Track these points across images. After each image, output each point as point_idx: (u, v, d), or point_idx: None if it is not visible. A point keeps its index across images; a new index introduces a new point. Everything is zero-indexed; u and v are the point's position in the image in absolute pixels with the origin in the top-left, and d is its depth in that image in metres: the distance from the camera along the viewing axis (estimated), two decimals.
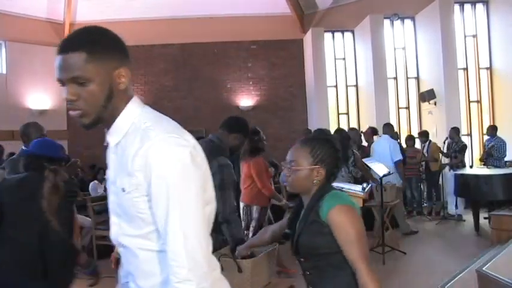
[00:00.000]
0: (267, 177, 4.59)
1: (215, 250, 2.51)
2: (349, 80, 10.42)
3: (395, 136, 7.25)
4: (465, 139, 8.54)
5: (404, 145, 7.90)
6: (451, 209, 7.57)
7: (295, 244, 1.65)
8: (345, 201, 1.59)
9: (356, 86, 10.35)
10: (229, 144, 2.78)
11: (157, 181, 1.08)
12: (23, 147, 3.08)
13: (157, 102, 10.36)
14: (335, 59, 10.40)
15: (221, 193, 2.57)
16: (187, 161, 1.10)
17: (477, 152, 9.26)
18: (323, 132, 1.83)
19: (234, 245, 2.54)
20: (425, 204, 8.21)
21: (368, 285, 1.46)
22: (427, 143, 7.96)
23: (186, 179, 1.10)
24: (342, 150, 5.77)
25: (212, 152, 2.65)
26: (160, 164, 1.07)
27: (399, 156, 6.41)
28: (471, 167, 8.32)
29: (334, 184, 3.89)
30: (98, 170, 8.20)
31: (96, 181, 7.73)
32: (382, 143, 6.61)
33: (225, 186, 2.60)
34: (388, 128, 6.80)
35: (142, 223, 1.13)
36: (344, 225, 1.52)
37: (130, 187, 1.10)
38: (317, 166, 1.63)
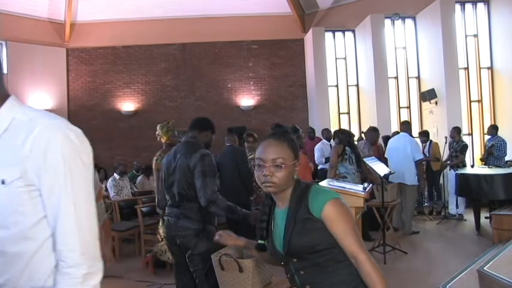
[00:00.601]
0: (307, 172, 5.22)
1: (219, 248, 2.58)
2: (350, 79, 10.42)
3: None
4: (466, 139, 8.53)
5: None
6: (452, 209, 7.57)
7: (286, 246, 1.56)
8: (334, 195, 1.56)
9: (357, 85, 10.35)
10: (203, 141, 3.12)
11: (48, 162, 1.06)
12: None
13: (158, 102, 10.39)
14: (336, 58, 10.41)
15: (202, 180, 2.80)
16: (76, 142, 1.11)
17: (478, 152, 9.25)
18: (283, 126, 1.69)
19: (236, 215, 2.80)
20: (426, 204, 8.20)
21: (371, 273, 1.47)
22: (428, 142, 7.96)
23: (77, 160, 1.10)
24: (352, 150, 5.80)
25: (192, 148, 2.96)
26: (51, 144, 1.06)
27: (421, 155, 6.46)
28: (472, 166, 8.31)
29: (337, 184, 3.89)
30: (99, 169, 8.20)
31: None
32: (401, 141, 6.48)
33: (206, 173, 2.82)
34: (406, 126, 6.76)
35: (21, 217, 1.08)
36: (340, 218, 1.50)
37: (14, 176, 1.06)
38: (296, 160, 1.59)
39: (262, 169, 1.55)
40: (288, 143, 1.58)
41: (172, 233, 2.89)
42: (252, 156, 5.48)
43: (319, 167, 7.62)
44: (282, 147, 1.56)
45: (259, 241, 1.69)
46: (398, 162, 6.24)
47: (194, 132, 3.10)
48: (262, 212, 1.69)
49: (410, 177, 6.23)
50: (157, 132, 4.75)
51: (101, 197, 4.89)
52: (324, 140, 7.93)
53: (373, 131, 6.87)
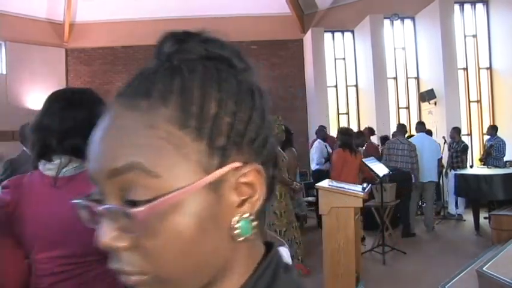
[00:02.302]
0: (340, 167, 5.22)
1: None
2: (349, 80, 10.42)
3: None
4: (465, 139, 8.54)
5: None
6: (452, 209, 7.57)
7: None
8: None
9: (356, 86, 10.36)
10: None
11: None
12: (24, 148, 3.09)
13: None
14: (335, 59, 10.40)
15: None
16: None
17: (477, 152, 9.26)
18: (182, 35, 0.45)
19: None
20: (426, 204, 8.19)
21: None
22: None
23: None
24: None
25: None
26: None
27: (441, 153, 6.83)
28: (471, 166, 8.32)
29: (336, 184, 3.89)
30: None
31: None
32: (424, 140, 6.69)
33: None
34: (422, 127, 6.96)
35: None
36: None
37: None
38: (238, 164, 0.42)
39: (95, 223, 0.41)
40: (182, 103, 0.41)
41: None
42: None
43: (313, 168, 7.41)
44: (134, 131, 0.41)
45: None
46: (425, 162, 6.44)
47: None
48: None
49: (434, 175, 6.59)
50: None
51: None
52: (319, 140, 7.55)
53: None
